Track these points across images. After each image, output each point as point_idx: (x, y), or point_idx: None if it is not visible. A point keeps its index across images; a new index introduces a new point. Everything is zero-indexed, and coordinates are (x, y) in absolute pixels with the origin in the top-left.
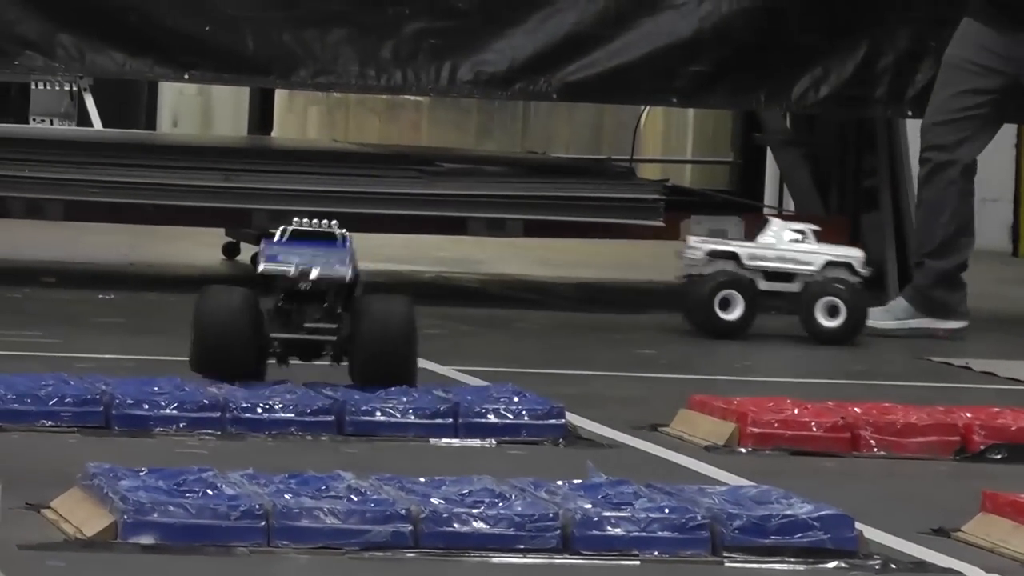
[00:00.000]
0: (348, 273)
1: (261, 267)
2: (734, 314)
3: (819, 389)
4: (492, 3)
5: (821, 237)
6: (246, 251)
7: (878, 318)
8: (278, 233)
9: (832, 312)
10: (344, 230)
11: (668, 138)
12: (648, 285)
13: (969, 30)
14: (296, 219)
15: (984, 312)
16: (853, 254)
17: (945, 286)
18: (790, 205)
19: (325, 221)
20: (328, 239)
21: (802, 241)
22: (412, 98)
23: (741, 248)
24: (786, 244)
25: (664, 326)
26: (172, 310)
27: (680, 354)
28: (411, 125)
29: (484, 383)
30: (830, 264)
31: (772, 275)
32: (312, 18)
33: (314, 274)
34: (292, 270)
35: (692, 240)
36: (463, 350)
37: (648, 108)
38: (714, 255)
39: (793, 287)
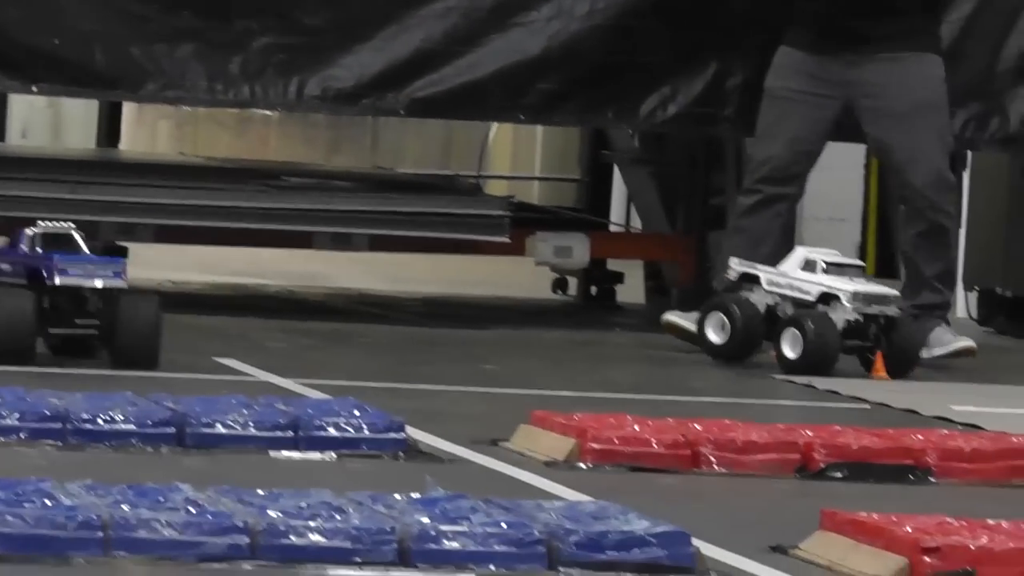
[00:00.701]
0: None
1: (58, 281)
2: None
3: (661, 406)
4: (340, 19)
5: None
6: None
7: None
8: (28, 237)
9: (795, 343)
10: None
11: (516, 155)
12: (493, 300)
13: (792, 59)
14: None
15: None
16: (846, 287)
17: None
18: (637, 223)
19: (66, 223)
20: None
21: (815, 271)
22: (261, 113)
23: (764, 273)
24: (797, 273)
25: (507, 341)
26: None
27: (523, 369)
28: (260, 140)
29: (326, 397)
30: (826, 296)
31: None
32: (161, 33)
33: (99, 284)
34: (88, 283)
35: (732, 262)
36: (306, 364)
37: (496, 125)
38: (745, 278)
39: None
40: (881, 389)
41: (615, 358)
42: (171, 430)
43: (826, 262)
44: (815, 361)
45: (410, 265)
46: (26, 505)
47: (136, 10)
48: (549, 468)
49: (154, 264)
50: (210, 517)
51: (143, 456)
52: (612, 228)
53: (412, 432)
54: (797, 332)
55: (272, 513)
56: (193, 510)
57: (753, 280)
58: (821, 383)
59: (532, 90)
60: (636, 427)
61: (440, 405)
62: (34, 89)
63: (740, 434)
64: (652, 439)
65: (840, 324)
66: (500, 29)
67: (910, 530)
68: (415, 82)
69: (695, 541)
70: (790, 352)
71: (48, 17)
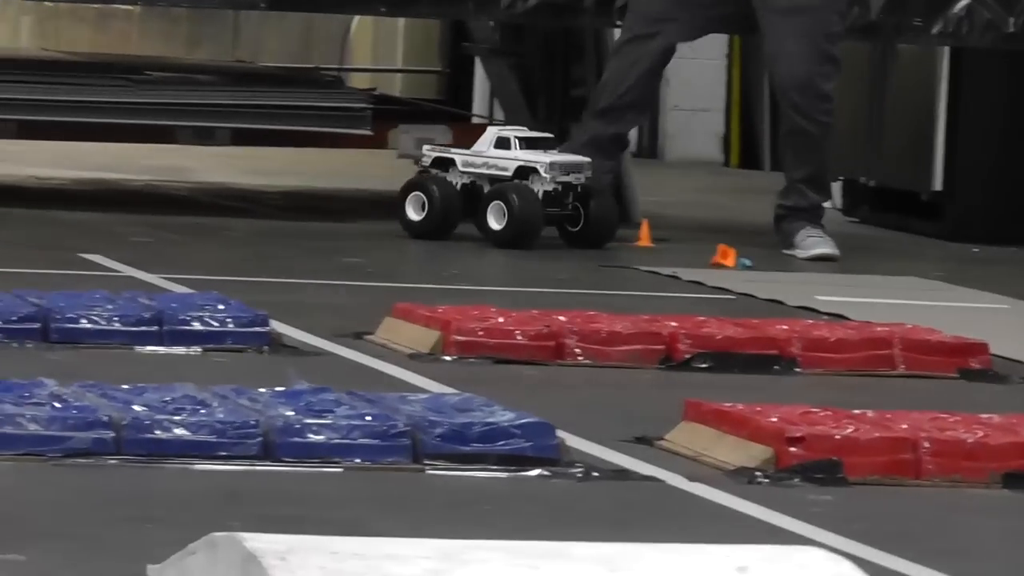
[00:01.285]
0: None
1: None
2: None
3: (525, 298)
4: None
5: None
6: None
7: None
8: None
9: (503, 215)
10: None
11: (378, 47)
12: (356, 193)
13: None
14: None
15: (695, 221)
16: (543, 159)
17: (593, 149)
18: (500, 115)
19: None
20: None
21: (509, 148)
22: (123, 8)
23: (458, 155)
24: (492, 151)
25: (371, 234)
26: None
27: (387, 262)
28: (121, 35)
29: (190, 291)
30: (522, 169)
31: (493, 180)
32: None
33: None
34: None
35: (424, 148)
36: (169, 258)
37: (358, 17)
38: (437, 162)
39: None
40: (745, 279)
41: (478, 252)
42: (36, 325)
43: (518, 138)
44: (522, 231)
45: (273, 158)
46: None
47: None
48: (413, 360)
49: (18, 159)
50: (75, 412)
51: (8, 351)
52: (474, 120)
53: (276, 326)
54: (502, 204)
55: (137, 408)
56: (58, 405)
57: (448, 163)
58: (685, 274)
59: None
60: (500, 319)
61: (303, 298)
62: None
63: (604, 325)
64: (516, 331)
65: (540, 194)
66: None
67: (775, 420)
68: None
69: (559, 433)
70: (496, 224)
71: None
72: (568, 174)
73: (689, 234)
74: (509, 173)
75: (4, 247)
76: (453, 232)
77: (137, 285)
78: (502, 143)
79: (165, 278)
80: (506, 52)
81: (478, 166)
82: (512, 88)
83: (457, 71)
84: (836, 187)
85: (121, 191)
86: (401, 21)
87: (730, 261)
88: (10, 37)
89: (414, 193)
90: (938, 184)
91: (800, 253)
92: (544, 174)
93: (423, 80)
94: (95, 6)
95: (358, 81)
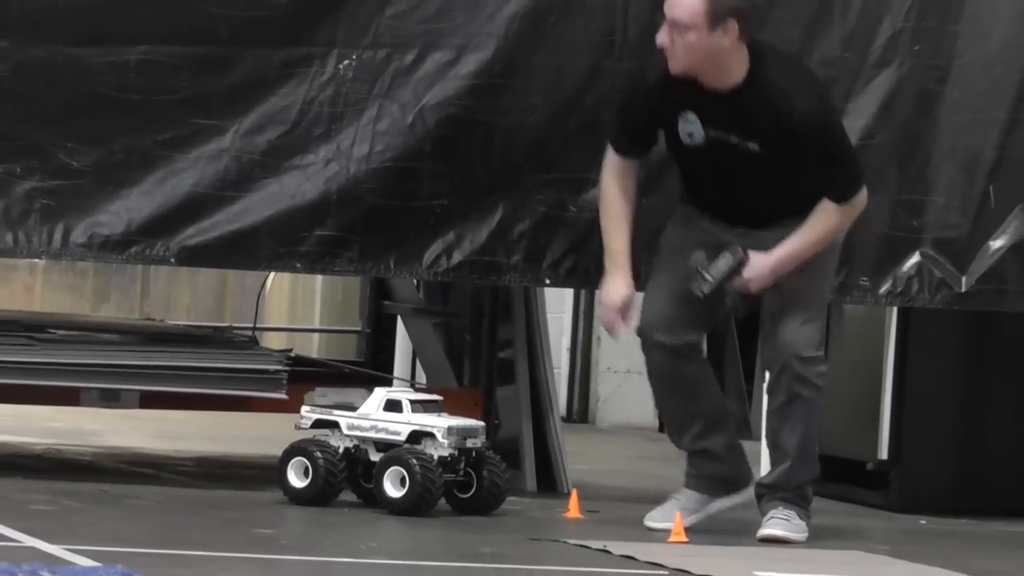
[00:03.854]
0: None
1: None
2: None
3: (454, 573)
4: (106, 163)
5: (450, 408)
6: None
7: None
8: None
9: (402, 482)
10: None
11: (294, 305)
12: (271, 460)
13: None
14: None
15: (627, 491)
16: (439, 424)
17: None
18: (423, 378)
19: None
20: None
21: (400, 411)
22: (25, 260)
23: (343, 418)
24: (381, 414)
25: (285, 504)
26: None
27: (300, 534)
28: (25, 288)
29: (95, 564)
30: (416, 434)
31: (380, 445)
32: None
33: None
34: None
35: (304, 409)
36: (74, 528)
37: (273, 274)
38: (318, 424)
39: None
40: (679, 553)
41: (378, 521)
42: None
43: (410, 400)
44: (422, 498)
45: (183, 421)
46: None
47: None
48: None
49: None
50: None
51: None
52: (396, 383)
53: None
54: (402, 470)
55: None
56: None
57: (332, 425)
58: (617, 547)
59: (309, 237)
60: None
61: (213, 572)
62: None
63: None
64: None
65: (435, 459)
66: (275, 172)
67: None
68: (186, 229)
69: None
70: (393, 491)
71: None
72: (465, 439)
73: (621, 504)
74: (402, 438)
75: None
76: (335, 499)
77: (39, 557)
78: (392, 405)
79: (68, 549)
80: (430, 311)
81: (366, 429)
82: (436, 349)
83: (378, 331)
84: None
85: (22, 455)
86: (319, 278)
87: None
88: None
89: (296, 459)
90: (884, 453)
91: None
92: (442, 439)
93: (342, 340)
94: None
95: (273, 341)
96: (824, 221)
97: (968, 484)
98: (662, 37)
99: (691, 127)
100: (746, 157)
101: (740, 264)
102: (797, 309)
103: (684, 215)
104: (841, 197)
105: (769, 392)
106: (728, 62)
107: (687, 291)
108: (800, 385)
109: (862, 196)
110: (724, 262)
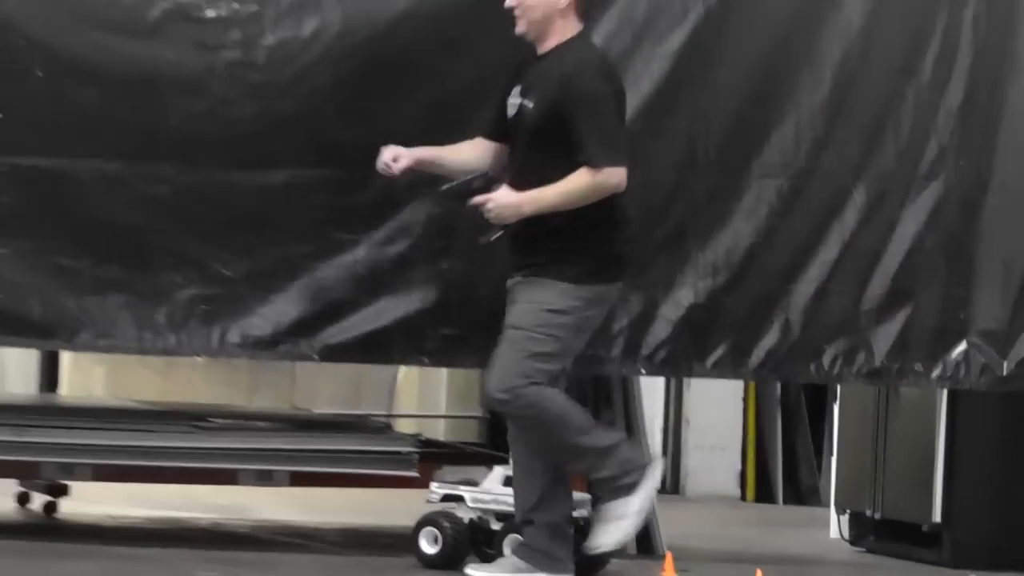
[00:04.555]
0: None
1: None
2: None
3: None
4: (257, 273)
5: None
6: (37, 499)
7: (487, 571)
8: None
9: None
10: None
11: (423, 394)
12: (404, 529)
13: None
14: None
15: (715, 553)
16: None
17: (556, 539)
18: None
19: None
20: None
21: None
22: (187, 358)
23: (467, 492)
24: (500, 489)
25: (419, 567)
26: None
27: None
28: (187, 382)
29: None
30: None
31: (500, 515)
32: (91, 285)
33: None
34: None
35: (433, 485)
36: None
37: (404, 368)
38: (446, 498)
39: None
40: None
41: None
42: None
43: None
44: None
45: (329, 496)
46: None
47: (67, 264)
48: None
49: (93, 499)
50: None
51: None
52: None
53: None
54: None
55: None
56: None
57: (458, 498)
58: None
59: (434, 335)
60: None
61: None
62: None
63: None
64: None
65: None
66: (403, 280)
67: None
68: (327, 329)
69: None
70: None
71: None
72: (574, 510)
73: (710, 565)
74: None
75: None
76: (461, 563)
77: None
78: (509, 481)
79: None
80: None
81: (487, 502)
82: None
83: (496, 416)
84: (844, 519)
85: (188, 528)
86: (444, 371)
87: None
88: (85, 386)
89: (427, 528)
90: (937, 516)
91: None
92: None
93: (465, 425)
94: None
95: (405, 426)
96: (573, 180)
97: (1011, 542)
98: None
99: (514, 99)
100: (526, 119)
101: (487, 182)
102: (505, 344)
103: None
104: (590, 160)
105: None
106: (555, 23)
107: None
108: (518, 418)
109: (617, 172)
110: (466, 177)
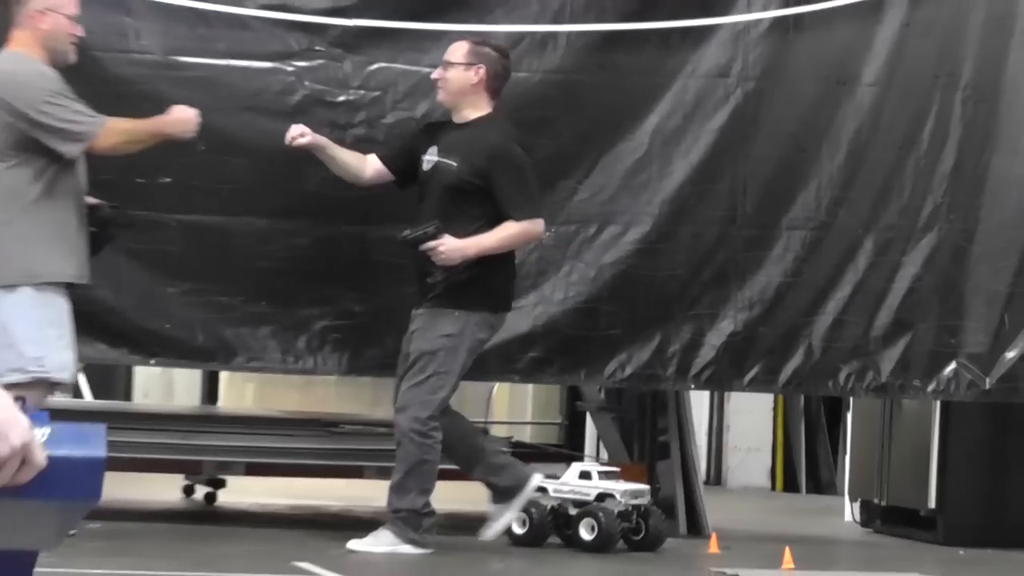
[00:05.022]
0: None
1: None
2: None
3: None
4: (378, 308)
5: (625, 477)
6: (199, 491)
7: (365, 545)
8: None
9: (592, 529)
10: None
11: (513, 405)
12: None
13: None
14: None
15: (751, 534)
16: (617, 487)
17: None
18: (605, 455)
19: None
20: None
21: (590, 479)
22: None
23: (550, 484)
24: (576, 481)
25: (510, 545)
26: (149, 534)
27: (521, 568)
28: (323, 396)
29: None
30: (601, 495)
31: (577, 503)
32: (245, 319)
33: None
34: None
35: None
36: (362, 566)
37: (497, 383)
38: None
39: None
40: (785, 573)
41: (574, 558)
42: None
43: (597, 471)
44: (607, 541)
45: (438, 488)
46: None
47: (225, 301)
48: None
49: (245, 491)
50: None
51: None
52: (586, 459)
53: None
54: (592, 520)
55: None
56: None
57: (542, 490)
58: (744, 573)
59: (524, 357)
60: None
61: None
62: (152, 362)
63: None
64: None
65: (616, 513)
66: None
67: None
68: None
69: None
70: (586, 536)
71: (162, 307)
72: (636, 498)
73: (747, 543)
74: (591, 498)
75: (233, 559)
76: (545, 542)
77: None
78: (584, 475)
79: None
80: (609, 408)
81: (566, 492)
82: (614, 435)
83: (573, 423)
84: (856, 506)
85: (322, 514)
86: (530, 386)
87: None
88: (239, 399)
89: (517, 513)
90: (933, 503)
91: None
92: (620, 499)
93: (547, 430)
94: (302, 376)
95: (498, 431)
96: (505, 228)
97: (995, 524)
98: (437, 72)
99: (430, 156)
100: (445, 175)
101: (437, 231)
102: (413, 370)
103: None
104: (521, 215)
105: None
106: (469, 97)
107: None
108: (401, 435)
109: (539, 223)
110: (424, 227)
